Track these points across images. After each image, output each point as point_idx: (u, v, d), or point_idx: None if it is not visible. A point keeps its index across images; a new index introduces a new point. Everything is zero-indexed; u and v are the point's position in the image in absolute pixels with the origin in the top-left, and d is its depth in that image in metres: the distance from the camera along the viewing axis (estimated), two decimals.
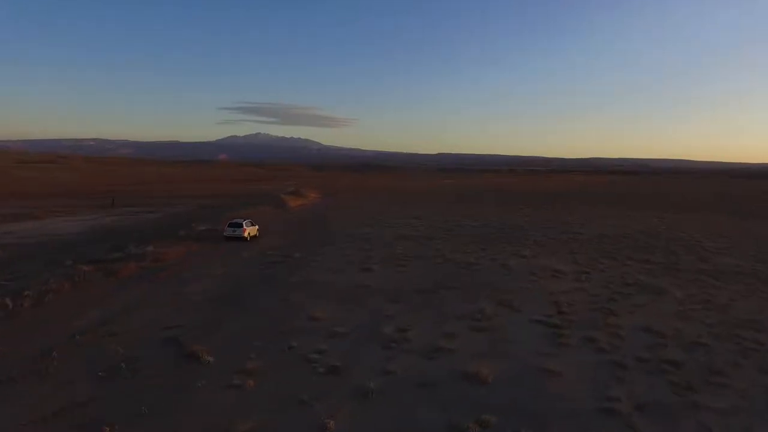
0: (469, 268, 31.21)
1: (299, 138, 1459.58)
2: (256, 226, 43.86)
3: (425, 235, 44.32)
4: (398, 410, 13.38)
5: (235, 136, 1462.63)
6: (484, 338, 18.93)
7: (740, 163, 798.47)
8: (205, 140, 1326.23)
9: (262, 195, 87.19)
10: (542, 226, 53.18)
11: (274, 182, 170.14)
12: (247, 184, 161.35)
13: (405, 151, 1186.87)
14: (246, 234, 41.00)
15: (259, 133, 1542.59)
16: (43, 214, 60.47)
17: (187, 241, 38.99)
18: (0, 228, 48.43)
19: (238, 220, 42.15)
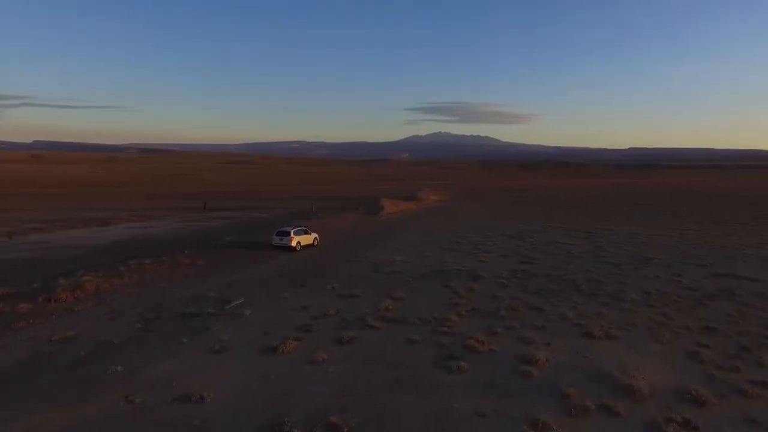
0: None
1: (478, 135, 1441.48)
2: (313, 235, 39.52)
3: (472, 272, 29.05)
4: None
5: (418, 136, 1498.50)
6: None
7: None
8: (390, 140, 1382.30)
9: (367, 198, 76.64)
10: (686, 257, 33.76)
11: (416, 182, 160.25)
12: (382, 184, 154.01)
13: (592, 147, 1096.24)
14: (294, 243, 36.90)
15: (440, 132, 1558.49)
16: (117, 220, 57.34)
17: (180, 258, 30.11)
18: (31, 237, 44.77)
19: (287, 228, 38.03)
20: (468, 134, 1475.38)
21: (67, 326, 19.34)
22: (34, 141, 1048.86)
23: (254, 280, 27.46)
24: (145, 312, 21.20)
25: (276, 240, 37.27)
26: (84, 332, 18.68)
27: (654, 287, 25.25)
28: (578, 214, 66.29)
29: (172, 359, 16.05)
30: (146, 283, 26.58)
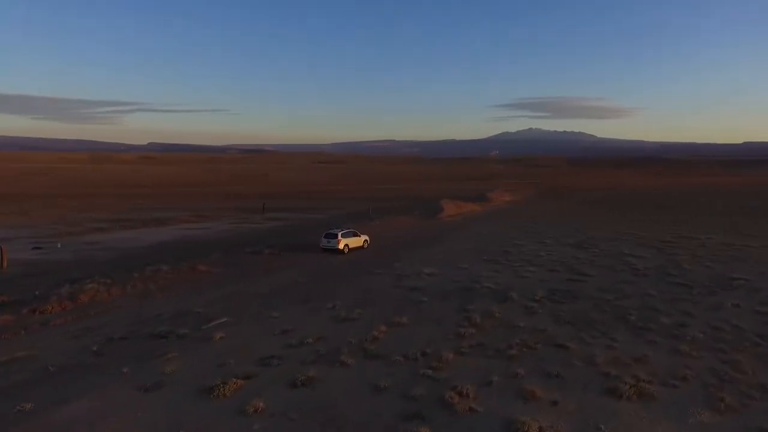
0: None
1: (572, 131, 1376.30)
2: (363, 237, 38.41)
3: (502, 292, 24.79)
4: None
5: (508, 133, 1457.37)
6: None
7: None
8: (479, 138, 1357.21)
9: (431, 199, 72.74)
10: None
11: (496, 181, 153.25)
12: (459, 183, 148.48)
13: (700, 141, 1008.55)
14: (341, 246, 35.78)
15: (531, 128, 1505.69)
16: (175, 221, 58.00)
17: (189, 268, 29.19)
18: (87, 237, 45.73)
19: (334, 231, 37.09)
20: (561, 130, 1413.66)
21: (25, 345, 17.83)
22: (149, 143, 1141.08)
23: (258, 292, 25.06)
24: (114, 330, 19.31)
25: (324, 242, 36.23)
26: (34, 354, 16.97)
27: (728, 321, 19.67)
28: (665, 218, 58.33)
29: (93, 397, 13.71)
30: (145, 293, 25.03)
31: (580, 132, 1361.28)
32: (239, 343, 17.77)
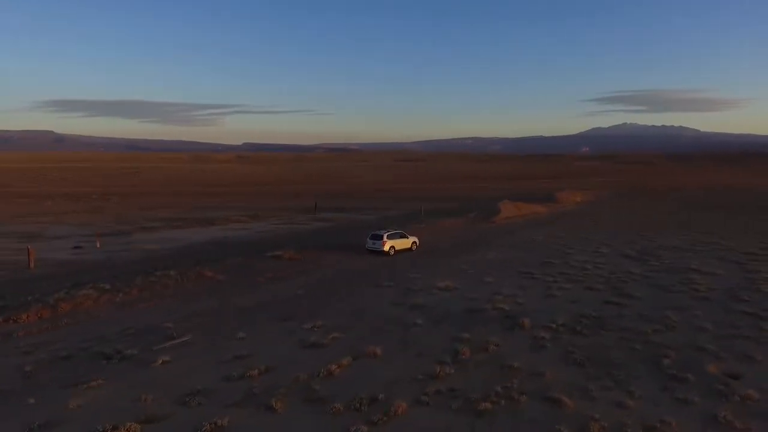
0: None
1: (671, 126, 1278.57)
2: (411, 239, 36.59)
3: (515, 316, 20.83)
4: None
5: (599, 128, 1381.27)
6: None
7: None
8: (569, 133, 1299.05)
9: (490, 199, 67.93)
10: None
11: (577, 179, 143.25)
12: (535, 181, 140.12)
13: None
14: (386, 248, 34.45)
15: (625, 123, 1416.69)
16: (223, 220, 57.84)
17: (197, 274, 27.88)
18: (132, 237, 46.19)
19: (380, 232, 35.68)
20: (659, 124, 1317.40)
21: None
22: (244, 143, 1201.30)
23: (244, 306, 22.88)
24: (65, 347, 17.73)
25: (369, 244, 35.08)
26: None
27: None
28: (764, 224, 50.03)
29: None
30: (132, 302, 23.57)
31: (680, 126, 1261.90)
32: (178, 371, 15.46)
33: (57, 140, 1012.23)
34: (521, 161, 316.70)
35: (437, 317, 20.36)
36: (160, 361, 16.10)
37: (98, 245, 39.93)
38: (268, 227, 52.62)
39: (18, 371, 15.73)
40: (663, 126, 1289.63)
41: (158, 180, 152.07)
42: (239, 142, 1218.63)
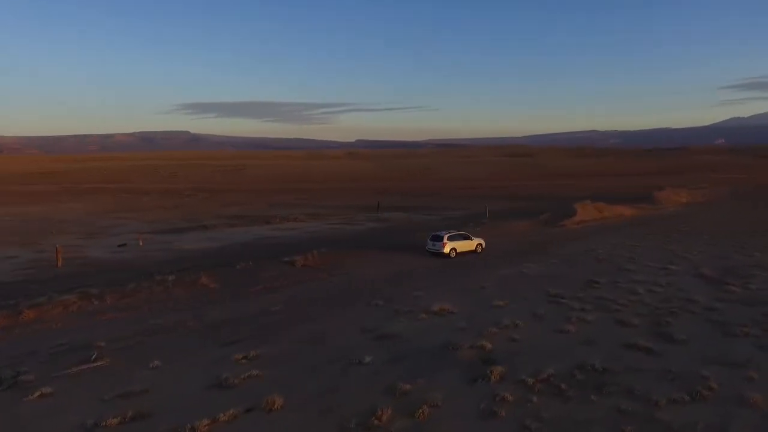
0: None
1: None
2: (476, 241, 34.64)
3: (493, 359, 16.25)
4: None
5: (738, 118, 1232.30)
6: None
7: None
8: (701, 125, 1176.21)
9: (570, 200, 60.53)
10: None
11: (697, 174, 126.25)
12: (637, 178, 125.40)
13: None
14: (447, 249, 32.78)
15: None
16: (278, 219, 56.79)
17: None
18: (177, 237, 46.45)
19: (441, 233, 34.10)
20: None
21: None
22: (356, 140, 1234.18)
23: (210, 323, 20.52)
24: None
25: (429, 245, 33.64)
26: None
27: None
28: None
29: None
30: (99, 312, 22.19)
31: None
32: (46, 410, 13.22)
33: (192, 140, 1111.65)
34: (636, 155, 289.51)
35: (396, 355, 16.35)
36: (38, 394, 13.95)
37: (141, 244, 40.26)
38: (320, 227, 50.69)
39: None
40: None
41: (258, 177, 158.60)
42: (352, 139, 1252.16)
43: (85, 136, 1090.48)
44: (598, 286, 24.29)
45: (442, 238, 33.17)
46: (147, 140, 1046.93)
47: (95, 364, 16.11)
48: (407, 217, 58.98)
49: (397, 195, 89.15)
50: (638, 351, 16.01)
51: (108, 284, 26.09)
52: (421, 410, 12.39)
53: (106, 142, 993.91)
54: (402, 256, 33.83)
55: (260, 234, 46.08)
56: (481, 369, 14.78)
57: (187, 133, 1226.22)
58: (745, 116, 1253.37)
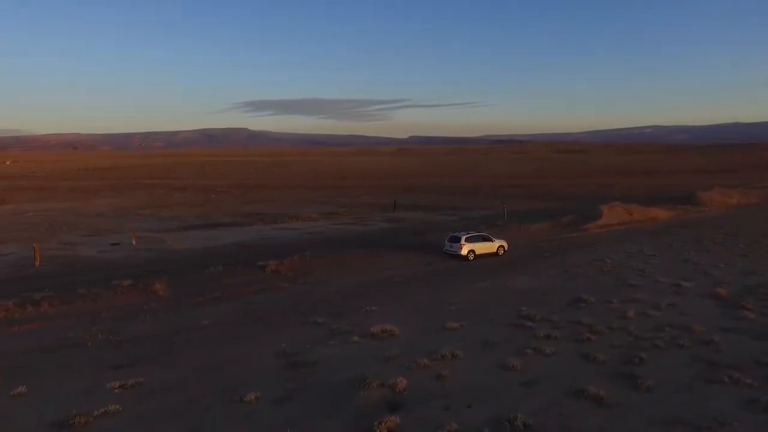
0: None
1: None
2: (497, 243, 32.61)
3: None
4: None
5: None
6: None
7: None
8: None
9: (601, 200, 55.42)
10: None
11: (755, 173, 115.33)
12: (693, 176, 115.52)
13: None
14: (464, 251, 31.01)
15: None
16: (290, 219, 54.97)
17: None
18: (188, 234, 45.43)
19: (459, 234, 32.33)
20: None
21: None
22: (410, 136, 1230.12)
23: (128, 337, 18.58)
24: None
25: (447, 246, 32.03)
26: None
27: None
28: None
29: None
30: (17, 322, 20.72)
31: None
32: None
33: (251, 137, 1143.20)
34: (698, 151, 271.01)
35: (293, 391, 13.67)
36: None
37: (134, 243, 39.38)
38: (325, 227, 48.44)
39: None
40: None
41: (299, 173, 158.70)
42: (405, 136, 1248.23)
43: (152, 133, 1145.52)
44: (582, 308, 20.63)
45: (459, 239, 31.26)
46: (209, 137, 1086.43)
47: None
48: (424, 216, 55.78)
49: (422, 192, 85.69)
50: (584, 400, 12.59)
51: (63, 288, 24.82)
52: None
53: (172, 139, 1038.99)
54: (397, 260, 31.29)
55: (260, 234, 44.36)
56: (372, 418, 11.87)
57: (246, 130, 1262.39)
58: None
